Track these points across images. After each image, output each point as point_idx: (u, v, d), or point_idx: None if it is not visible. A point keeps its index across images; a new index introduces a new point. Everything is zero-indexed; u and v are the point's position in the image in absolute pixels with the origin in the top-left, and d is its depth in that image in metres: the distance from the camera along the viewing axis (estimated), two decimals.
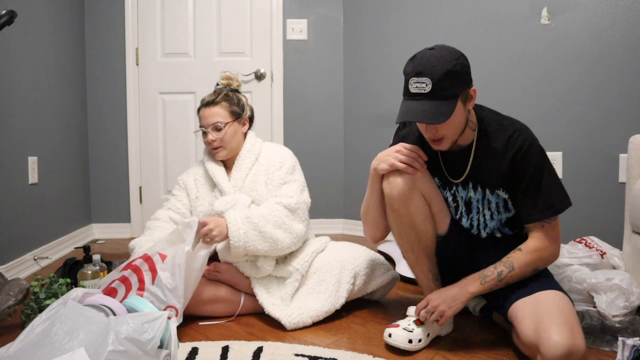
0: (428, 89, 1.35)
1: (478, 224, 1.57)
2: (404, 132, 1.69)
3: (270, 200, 1.82)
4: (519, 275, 1.44)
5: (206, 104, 1.92)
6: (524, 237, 1.51)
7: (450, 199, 1.59)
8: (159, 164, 3.38)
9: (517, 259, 1.44)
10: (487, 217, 1.54)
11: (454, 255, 1.61)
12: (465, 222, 1.59)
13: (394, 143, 2.75)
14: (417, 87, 1.37)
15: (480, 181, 1.52)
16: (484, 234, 1.58)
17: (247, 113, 1.98)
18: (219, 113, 1.90)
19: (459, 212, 1.59)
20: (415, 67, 1.38)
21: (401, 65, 3.11)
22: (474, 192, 1.53)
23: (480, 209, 1.54)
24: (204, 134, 1.92)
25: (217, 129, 1.89)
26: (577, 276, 1.71)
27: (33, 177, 2.54)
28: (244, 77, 3.31)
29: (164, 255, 1.58)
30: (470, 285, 1.46)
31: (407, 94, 1.40)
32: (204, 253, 1.65)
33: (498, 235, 1.57)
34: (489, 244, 1.58)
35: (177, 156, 3.36)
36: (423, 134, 1.50)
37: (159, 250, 1.61)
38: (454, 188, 1.57)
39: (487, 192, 1.51)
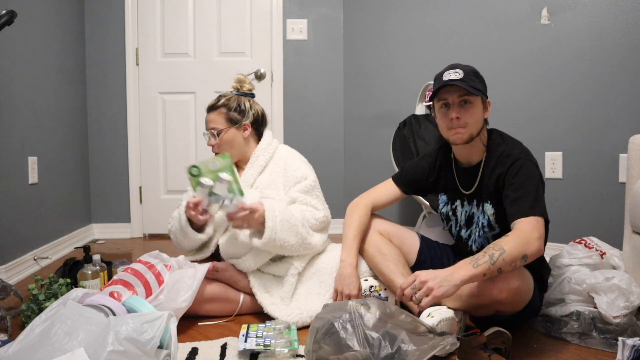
0: (460, 76, 1.53)
1: (473, 238, 1.68)
2: (423, 159, 1.85)
3: (299, 205, 1.86)
4: (511, 259, 1.37)
5: (208, 109, 1.96)
6: None
7: (450, 213, 1.75)
8: (159, 164, 3.37)
9: (505, 241, 1.40)
10: (480, 232, 1.65)
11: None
12: (464, 233, 1.71)
13: (395, 141, 2.78)
14: (450, 75, 1.54)
15: (481, 198, 1.63)
16: (474, 248, 1.68)
17: (249, 118, 1.95)
18: (215, 119, 1.92)
19: (457, 226, 1.73)
20: (448, 66, 1.58)
21: (401, 65, 3.16)
22: (477, 208, 1.65)
23: (478, 223, 1.65)
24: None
25: (213, 135, 1.92)
26: (576, 277, 1.71)
27: (33, 177, 2.54)
28: None
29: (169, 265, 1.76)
30: (462, 269, 1.36)
31: (440, 84, 1.54)
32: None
33: None
34: None
35: (177, 156, 3.35)
36: (445, 124, 1.59)
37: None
38: (457, 203, 1.71)
39: (482, 208, 1.63)
